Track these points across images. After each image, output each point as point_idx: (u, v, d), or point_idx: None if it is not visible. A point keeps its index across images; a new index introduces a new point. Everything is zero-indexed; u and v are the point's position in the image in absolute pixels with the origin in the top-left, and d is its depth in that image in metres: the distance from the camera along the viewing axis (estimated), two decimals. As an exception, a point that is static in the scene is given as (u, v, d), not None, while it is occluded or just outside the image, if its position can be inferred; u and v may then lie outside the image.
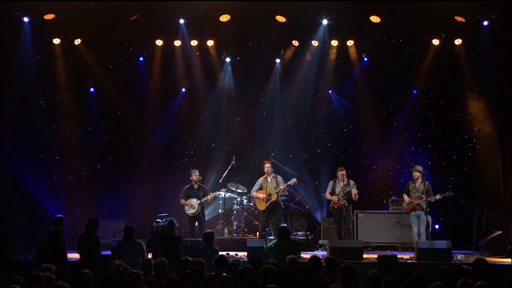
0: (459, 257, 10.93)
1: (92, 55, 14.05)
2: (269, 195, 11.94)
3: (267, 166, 12.16)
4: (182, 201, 12.29)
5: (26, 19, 13.15)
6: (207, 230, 9.95)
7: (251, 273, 6.68)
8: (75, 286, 6.32)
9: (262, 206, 12.13)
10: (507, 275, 6.66)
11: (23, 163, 13.56)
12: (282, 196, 12.35)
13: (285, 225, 10.92)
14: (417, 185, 11.65)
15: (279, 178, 12.16)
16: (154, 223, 10.94)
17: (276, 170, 12.47)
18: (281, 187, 11.96)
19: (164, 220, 10.88)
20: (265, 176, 12.16)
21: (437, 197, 11.48)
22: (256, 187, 12.28)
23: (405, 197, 11.70)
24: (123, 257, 8.48)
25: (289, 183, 12.14)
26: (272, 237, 12.49)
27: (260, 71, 14.62)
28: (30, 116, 13.85)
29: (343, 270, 6.60)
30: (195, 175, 12.29)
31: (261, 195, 12.09)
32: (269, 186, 12.01)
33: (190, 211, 12.18)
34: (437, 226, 13.31)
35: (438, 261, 9.79)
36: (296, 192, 13.63)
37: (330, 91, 14.59)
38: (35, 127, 13.88)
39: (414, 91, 14.27)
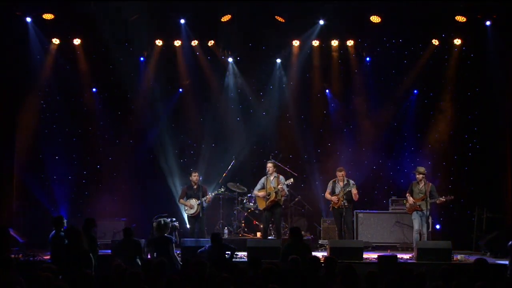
0: (459, 257, 10.94)
1: (92, 55, 14.05)
2: (269, 194, 11.95)
3: (268, 166, 12.16)
4: (181, 201, 12.29)
5: (28, 19, 13.15)
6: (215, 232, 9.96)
7: (246, 273, 6.68)
8: (75, 286, 6.32)
9: (262, 205, 12.16)
10: (507, 275, 6.67)
11: (23, 163, 13.55)
12: (282, 196, 12.33)
13: (297, 227, 10.66)
14: (420, 186, 11.62)
15: (281, 178, 12.16)
16: (154, 223, 10.95)
17: (277, 170, 12.46)
18: (279, 187, 11.95)
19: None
20: (267, 176, 12.17)
21: (442, 198, 11.46)
22: (258, 186, 12.28)
23: (409, 197, 11.68)
24: (121, 257, 8.53)
25: (286, 182, 12.15)
26: (272, 237, 12.54)
27: (260, 71, 14.62)
28: (30, 116, 13.82)
29: (343, 270, 6.60)
30: (195, 176, 12.29)
31: (261, 193, 12.12)
32: (270, 186, 12.03)
33: (189, 212, 12.18)
34: (437, 226, 13.30)
35: (438, 261, 9.82)
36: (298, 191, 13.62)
37: (329, 91, 14.58)
38: (35, 127, 13.85)
39: (415, 91, 14.27)
